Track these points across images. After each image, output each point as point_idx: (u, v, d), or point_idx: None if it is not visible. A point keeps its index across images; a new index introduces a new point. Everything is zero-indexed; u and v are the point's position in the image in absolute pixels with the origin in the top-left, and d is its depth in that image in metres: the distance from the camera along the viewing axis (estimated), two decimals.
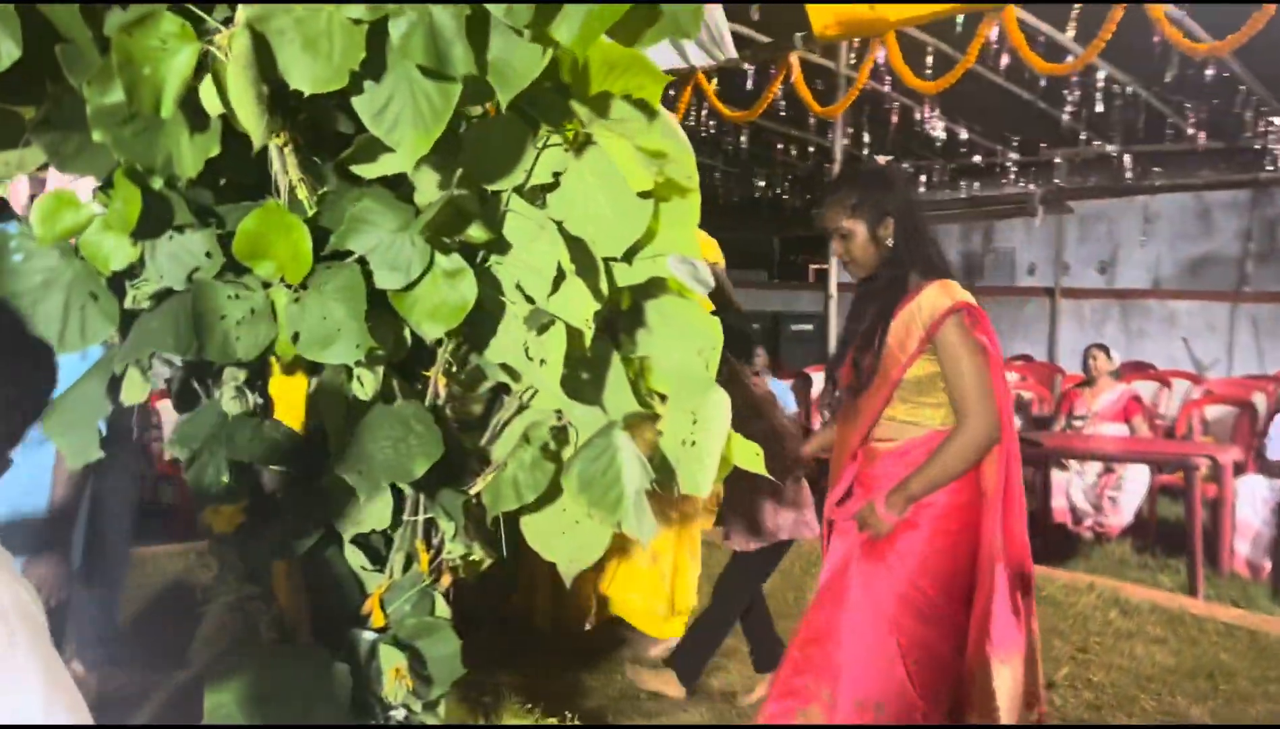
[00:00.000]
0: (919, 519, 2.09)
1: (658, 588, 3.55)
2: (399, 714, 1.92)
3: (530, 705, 2.56)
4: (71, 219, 1.59)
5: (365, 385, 1.70)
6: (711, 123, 7.65)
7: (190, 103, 1.46)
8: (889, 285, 2.19)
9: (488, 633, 3.77)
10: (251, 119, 1.40)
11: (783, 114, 7.19)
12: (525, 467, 1.78)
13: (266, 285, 1.63)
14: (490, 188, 1.62)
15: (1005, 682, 2.05)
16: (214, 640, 2.01)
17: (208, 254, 1.62)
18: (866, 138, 8.24)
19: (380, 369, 1.71)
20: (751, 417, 3.06)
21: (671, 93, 6.82)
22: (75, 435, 1.70)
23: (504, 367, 1.78)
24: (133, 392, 1.80)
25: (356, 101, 1.44)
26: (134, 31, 1.37)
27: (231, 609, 1.99)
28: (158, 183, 1.56)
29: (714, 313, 3.35)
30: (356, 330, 1.57)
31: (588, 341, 1.62)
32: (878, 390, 2.14)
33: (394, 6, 1.36)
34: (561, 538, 1.86)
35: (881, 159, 5.57)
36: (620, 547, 3.63)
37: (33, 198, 2.57)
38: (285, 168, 1.61)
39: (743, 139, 8.45)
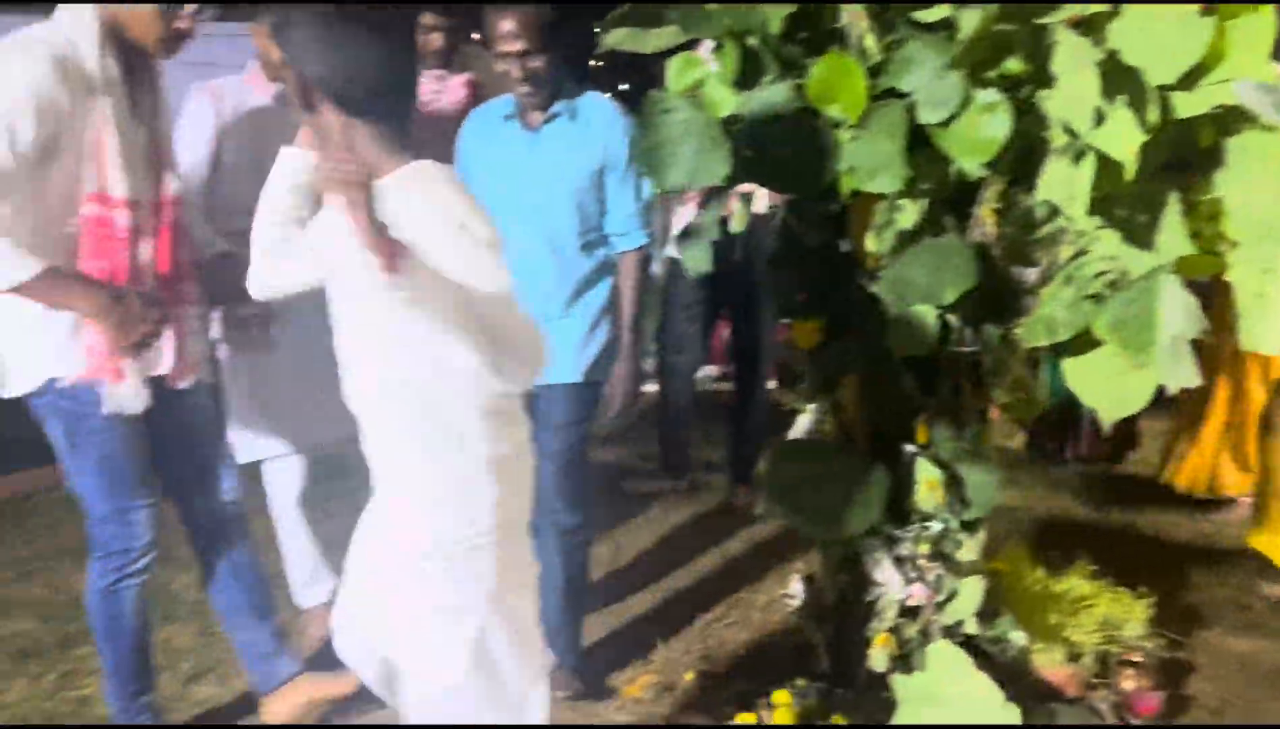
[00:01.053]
0: None
1: None
2: (936, 526, 2.11)
3: (1104, 577, 2.52)
4: (694, 75, 2.01)
5: (907, 215, 1.87)
6: None
7: None
8: None
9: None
10: None
11: None
12: (1064, 305, 1.79)
13: (837, 126, 1.88)
14: (1038, 21, 1.65)
15: None
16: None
17: (790, 100, 1.92)
18: None
19: (923, 202, 1.86)
20: None
21: None
22: (695, 252, 2.17)
23: (1051, 206, 1.80)
24: (738, 221, 2.22)
25: None
26: None
27: (810, 413, 2.36)
28: (754, 41, 1.90)
29: None
30: (898, 162, 1.75)
31: (1128, 176, 1.58)
32: None
33: None
34: (1103, 384, 1.84)
35: None
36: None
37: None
38: (855, 20, 1.82)
39: None
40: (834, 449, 2.09)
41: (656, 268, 3.64)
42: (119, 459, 2.06)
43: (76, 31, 1.93)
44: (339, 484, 2.53)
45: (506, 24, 2.34)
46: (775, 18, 1.81)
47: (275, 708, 2.32)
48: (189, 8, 1.99)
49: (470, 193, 1.51)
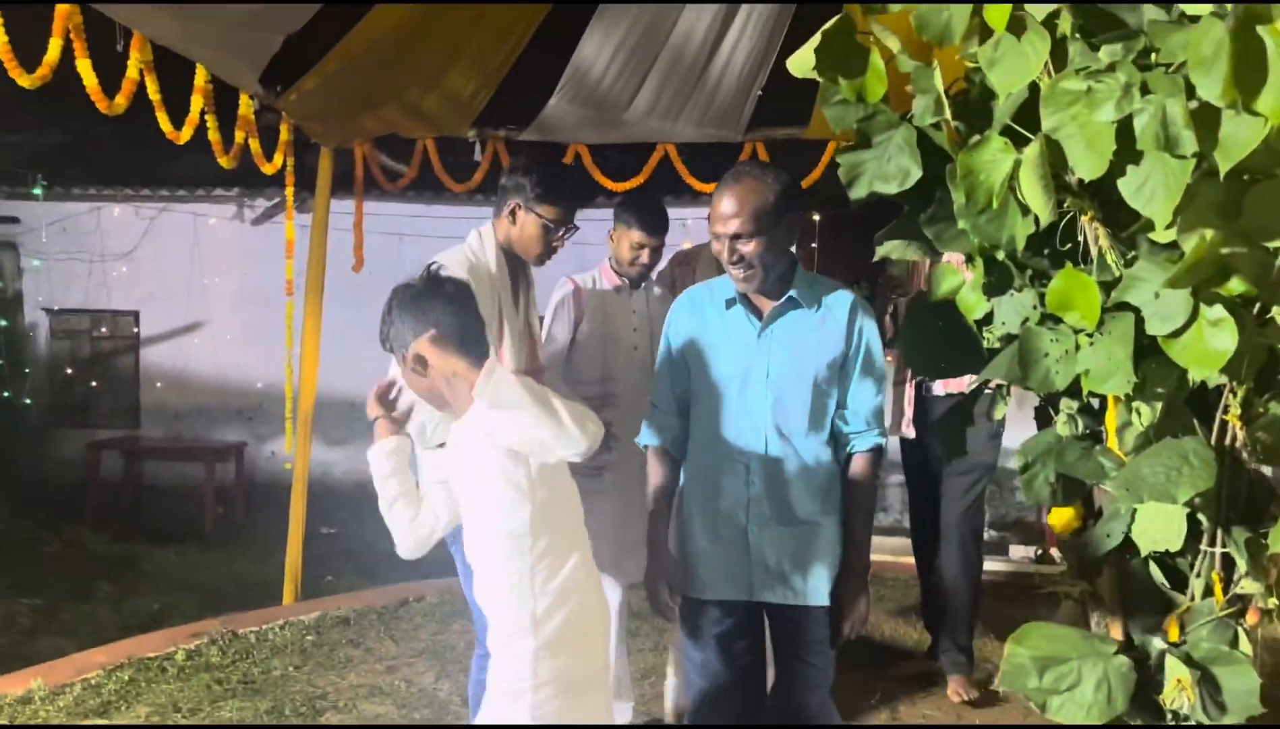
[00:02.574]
0: None
1: None
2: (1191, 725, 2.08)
3: None
4: (954, 282, 2.27)
5: (1141, 417, 1.98)
6: None
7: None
8: None
9: None
10: (1038, 201, 1.88)
11: None
12: None
13: (1077, 332, 2.05)
14: (1271, 245, 1.76)
15: None
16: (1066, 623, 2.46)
17: (1035, 307, 2.12)
18: None
19: (1158, 404, 1.96)
20: None
21: None
22: (952, 437, 2.36)
23: None
24: (998, 411, 2.40)
25: (1120, 182, 1.80)
26: (973, 151, 1.99)
27: (1074, 600, 2.42)
28: (1000, 255, 2.13)
29: None
30: (1126, 368, 1.89)
31: None
32: None
33: (1139, 104, 1.70)
34: None
35: None
36: None
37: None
38: (1095, 239, 2.01)
39: None
40: (1079, 635, 2.14)
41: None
42: None
43: (484, 247, 2.75)
44: None
45: (722, 205, 2.37)
46: (1020, 238, 2.04)
47: None
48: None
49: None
